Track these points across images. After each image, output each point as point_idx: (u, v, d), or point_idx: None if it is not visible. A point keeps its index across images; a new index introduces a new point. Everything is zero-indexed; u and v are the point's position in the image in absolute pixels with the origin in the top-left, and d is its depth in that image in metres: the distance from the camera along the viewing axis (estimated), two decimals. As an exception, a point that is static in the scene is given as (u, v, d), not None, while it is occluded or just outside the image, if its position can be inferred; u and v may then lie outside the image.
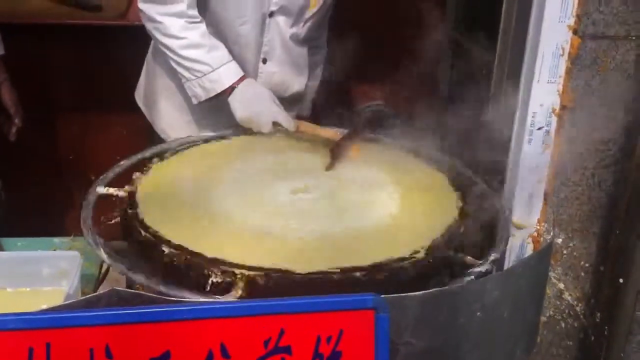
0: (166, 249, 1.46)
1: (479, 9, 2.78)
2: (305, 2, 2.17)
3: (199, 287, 1.40)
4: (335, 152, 1.93)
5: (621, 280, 1.71)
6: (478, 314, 1.31)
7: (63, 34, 3.11)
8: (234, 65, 2.10)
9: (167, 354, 1.10)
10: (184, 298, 1.33)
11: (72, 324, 1.07)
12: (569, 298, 1.84)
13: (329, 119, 2.15)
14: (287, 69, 2.26)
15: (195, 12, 2.06)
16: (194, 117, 2.28)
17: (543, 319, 1.82)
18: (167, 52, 2.08)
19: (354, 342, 1.15)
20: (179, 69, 2.09)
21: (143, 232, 1.53)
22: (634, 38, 1.62)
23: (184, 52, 2.06)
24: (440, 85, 3.26)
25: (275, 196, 1.72)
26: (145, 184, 1.74)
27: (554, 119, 1.67)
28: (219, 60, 2.07)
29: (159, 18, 2.05)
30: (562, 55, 1.62)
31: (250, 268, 1.40)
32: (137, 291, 1.18)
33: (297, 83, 2.32)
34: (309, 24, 2.22)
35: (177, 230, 1.53)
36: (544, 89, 1.64)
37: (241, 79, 2.09)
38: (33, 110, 2.59)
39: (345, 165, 1.90)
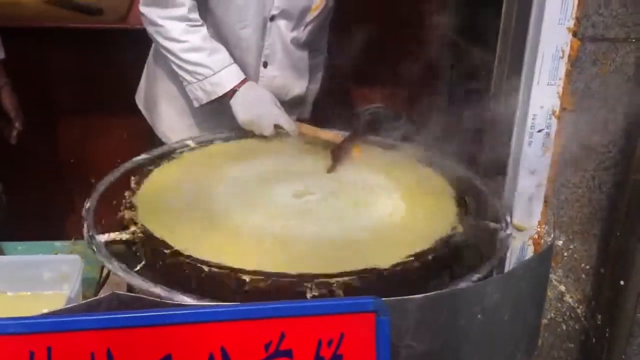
0: (167, 253, 1.46)
1: (478, 12, 2.78)
2: (306, 6, 2.17)
3: (200, 290, 1.40)
4: (336, 154, 1.94)
5: (622, 283, 1.71)
6: (479, 316, 1.31)
7: (64, 38, 3.11)
8: (235, 68, 2.10)
9: (168, 358, 1.10)
10: (185, 302, 1.33)
11: (73, 328, 1.07)
12: (569, 300, 1.84)
13: (329, 122, 2.15)
14: (288, 73, 2.26)
15: (196, 15, 2.07)
16: (195, 120, 2.28)
17: (544, 321, 1.82)
18: (169, 56, 2.09)
19: (355, 345, 1.14)
20: (181, 72, 2.09)
21: (145, 236, 1.53)
22: (633, 40, 1.62)
23: (185, 56, 2.06)
24: (440, 88, 3.26)
25: (277, 198, 1.72)
26: (146, 187, 1.74)
27: (554, 121, 1.67)
28: (220, 63, 2.07)
29: (160, 21, 2.05)
30: (562, 57, 1.62)
31: (250, 272, 1.39)
32: (137, 295, 1.18)
33: (297, 86, 2.32)
34: (309, 27, 2.23)
35: (178, 233, 1.53)
36: (543, 91, 1.64)
37: (242, 82, 2.09)
38: (34, 113, 2.59)
39: (346, 167, 1.91)
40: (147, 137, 2.41)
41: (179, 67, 2.08)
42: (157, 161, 1.89)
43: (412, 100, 3.44)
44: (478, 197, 1.77)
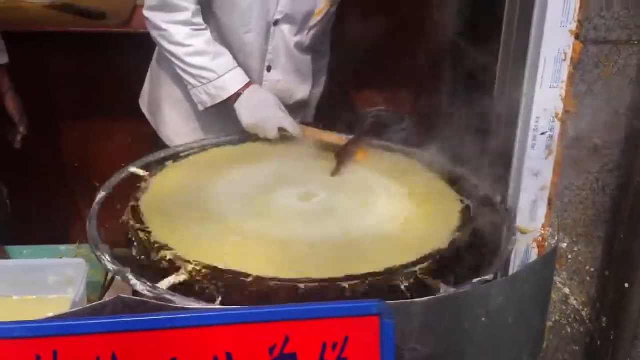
0: (170, 257, 1.47)
1: (480, 15, 2.78)
2: (310, 11, 2.17)
3: (204, 295, 1.41)
4: (340, 157, 1.94)
5: (626, 285, 1.71)
6: (483, 319, 1.31)
7: (67, 42, 3.12)
8: (239, 72, 2.10)
9: (172, 361, 1.11)
10: (190, 305, 1.33)
11: (78, 331, 1.07)
12: (574, 303, 1.84)
13: (333, 125, 2.16)
14: (291, 77, 2.27)
15: (200, 19, 2.07)
16: (199, 124, 2.29)
17: (549, 323, 1.82)
18: (173, 60, 2.10)
19: (359, 348, 1.14)
20: (185, 76, 2.10)
21: (146, 240, 1.53)
22: (636, 42, 1.62)
23: (189, 60, 2.07)
24: (443, 91, 3.26)
25: (282, 201, 1.73)
26: (150, 190, 1.74)
27: (557, 124, 1.67)
28: (224, 67, 2.08)
29: (164, 26, 2.06)
30: (565, 60, 1.62)
31: (254, 276, 1.40)
32: (142, 299, 1.19)
33: (301, 90, 2.32)
34: (313, 32, 2.23)
35: (181, 237, 1.53)
36: (546, 94, 1.64)
37: (247, 86, 2.10)
38: (37, 118, 2.60)
39: (350, 170, 1.91)
40: (151, 141, 2.41)
41: (183, 71, 2.09)
42: (161, 164, 1.89)
43: (415, 103, 3.44)
44: (481, 200, 1.77)
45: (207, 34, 2.09)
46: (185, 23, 2.05)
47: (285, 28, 2.18)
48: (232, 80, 2.09)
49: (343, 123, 2.22)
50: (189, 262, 1.44)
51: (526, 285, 1.39)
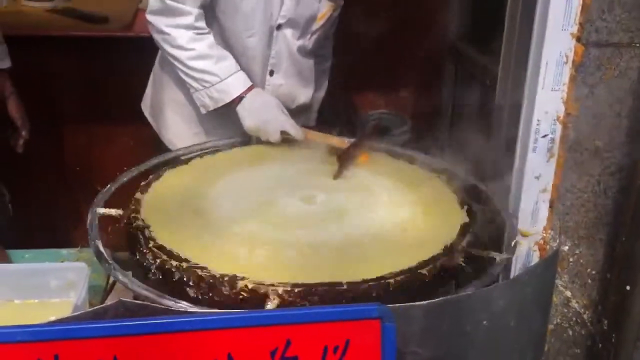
0: (172, 261, 1.47)
1: (482, 18, 2.79)
2: (313, 15, 2.18)
3: (205, 299, 1.41)
4: (342, 159, 1.94)
5: (628, 288, 1.71)
6: (484, 322, 1.31)
7: (69, 46, 3.13)
8: (242, 75, 2.11)
9: (174, 365, 1.11)
10: (191, 309, 1.33)
11: (79, 335, 1.07)
12: (576, 305, 1.84)
13: (335, 127, 2.16)
14: (293, 81, 2.27)
15: (203, 23, 2.08)
16: (201, 128, 2.29)
17: (550, 326, 1.82)
18: (175, 63, 2.10)
19: (360, 351, 1.15)
20: (187, 80, 2.10)
21: (148, 244, 1.53)
22: (637, 45, 1.62)
23: (192, 63, 2.07)
24: (445, 94, 3.26)
25: (284, 205, 1.73)
26: (152, 194, 1.75)
27: (559, 127, 1.66)
28: (227, 70, 2.08)
29: (167, 30, 2.06)
30: (566, 62, 1.62)
31: (255, 281, 1.40)
32: (143, 302, 1.19)
33: (303, 94, 2.33)
34: (315, 36, 2.24)
35: (183, 241, 1.53)
36: (548, 96, 1.64)
37: (249, 89, 2.10)
38: (40, 122, 2.60)
39: (352, 172, 1.91)
40: (153, 145, 2.41)
41: (186, 74, 2.09)
42: (163, 168, 1.90)
43: (417, 106, 3.45)
44: (483, 203, 1.77)
45: (210, 37, 2.09)
46: (188, 27, 2.05)
47: (288, 32, 2.18)
48: (235, 83, 2.09)
49: (345, 126, 2.22)
50: (191, 264, 1.44)
51: (527, 288, 1.39)
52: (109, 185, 1.79)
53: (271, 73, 2.23)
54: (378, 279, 1.41)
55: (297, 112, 2.30)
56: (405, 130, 3.07)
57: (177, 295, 1.39)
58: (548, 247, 1.76)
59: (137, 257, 1.54)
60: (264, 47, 2.18)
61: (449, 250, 1.54)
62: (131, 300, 1.18)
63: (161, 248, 1.50)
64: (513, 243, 1.63)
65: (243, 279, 1.39)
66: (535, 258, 1.77)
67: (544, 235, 1.76)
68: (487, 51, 2.40)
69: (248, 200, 1.75)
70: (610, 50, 1.63)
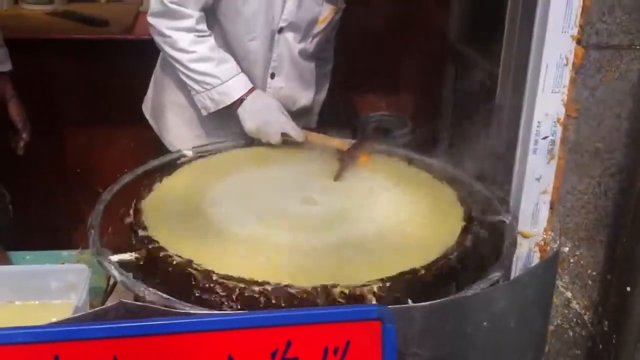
0: (173, 263, 1.47)
1: (482, 20, 2.79)
2: (314, 18, 2.18)
3: (206, 300, 1.41)
4: (343, 161, 1.94)
5: (628, 289, 1.71)
6: (485, 323, 1.31)
7: (70, 49, 3.13)
8: (243, 77, 2.11)
9: (175, 366, 1.11)
10: (192, 310, 1.33)
11: (80, 337, 1.07)
12: (576, 306, 1.83)
13: (336, 129, 2.16)
14: (295, 84, 2.28)
15: (204, 26, 2.08)
16: (202, 130, 2.30)
17: (551, 327, 1.82)
18: (177, 65, 2.10)
19: (361, 353, 1.15)
20: (189, 82, 2.11)
21: (149, 246, 1.53)
22: (638, 47, 1.62)
23: (193, 66, 2.07)
24: (445, 96, 3.26)
25: (284, 206, 1.73)
26: (152, 196, 1.75)
27: (559, 129, 1.67)
28: (228, 73, 2.08)
29: (168, 32, 2.06)
30: (566, 65, 1.62)
31: (256, 283, 1.40)
32: (144, 304, 1.19)
33: (304, 97, 2.33)
34: (317, 39, 2.24)
35: (183, 243, 1.53)
36: (548, 98, 1.64)
37: (250, 91, 2.11)
38: (40, 124, 2.61)
39: (353, 174, 1.91)
40: (154, 147, 2.42)
41: (187, 76, 2.10)
42: (163, 170, 1.90)
43: (418, 108, 3.45)
44: (484, 204, 1.77)
45: (211, 40, 2.09)
46: (189, 30, 2.06)
47: (289, 35, 2.18)
48: (236, 85, 2.09)
49: (346, 127, 2.22)
50: (192, 267, 1.44)
51: (528, 289, 1.39)
52: (109, 187, 1.79)
53: (272, 76, 2.23)
54: (378, 280, 1.41)
55: (297, 115, 2.30)
56: (406, 132, 3.07)
57: (177, 295, 1.39)
58: (548, 248, 1.76)
59: (138, 258, 1.54)
60: (265, 50, 2.19)
61: (449, 251, 1.54)
62: (132, 301, 1.18)
63: (162, 250, 1.50)
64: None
65: (245, 281, 1.40)
66: (536, 259, 1.77)
67: (545, 236, 1.76)
68: (487, 52, 2.40)
69: (249, 202, 1.75)
70: (611, 52, 1.63)
